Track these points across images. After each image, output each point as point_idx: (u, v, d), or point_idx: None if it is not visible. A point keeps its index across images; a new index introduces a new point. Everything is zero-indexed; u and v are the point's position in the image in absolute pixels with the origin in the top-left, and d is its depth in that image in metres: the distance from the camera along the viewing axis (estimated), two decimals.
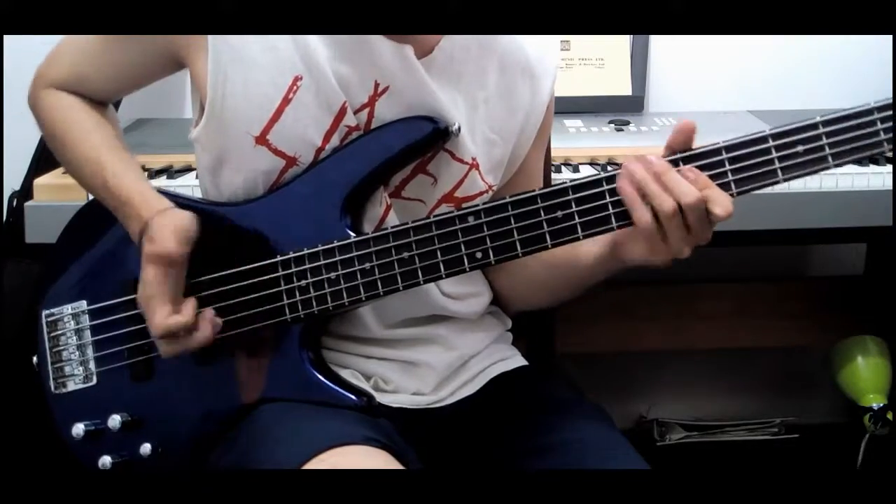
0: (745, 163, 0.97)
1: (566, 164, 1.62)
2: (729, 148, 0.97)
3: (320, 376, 1.07)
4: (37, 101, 1.18)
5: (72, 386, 1.16)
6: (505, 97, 1.13)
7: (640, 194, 0.97)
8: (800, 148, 0.96)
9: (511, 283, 1.21)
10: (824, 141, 0.95)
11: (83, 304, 1.16)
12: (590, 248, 1.09)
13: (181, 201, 1.12)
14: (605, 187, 1.00)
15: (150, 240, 1.04)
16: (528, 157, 1.19)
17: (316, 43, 1.05)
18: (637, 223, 0.98)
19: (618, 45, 1.95)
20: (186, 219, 1.05)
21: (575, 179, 1.01)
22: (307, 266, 1.06)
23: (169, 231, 1.04)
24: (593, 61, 1.95)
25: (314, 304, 1.06)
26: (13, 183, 1.55)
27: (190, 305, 1.04)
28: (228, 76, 1.05)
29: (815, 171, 0.97)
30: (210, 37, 1.05)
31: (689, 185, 0.96)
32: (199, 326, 1.05)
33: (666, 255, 0.99)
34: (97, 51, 1.14)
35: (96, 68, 1.15)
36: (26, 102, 1.20)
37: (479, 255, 1.03)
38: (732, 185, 0.97)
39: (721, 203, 0.96)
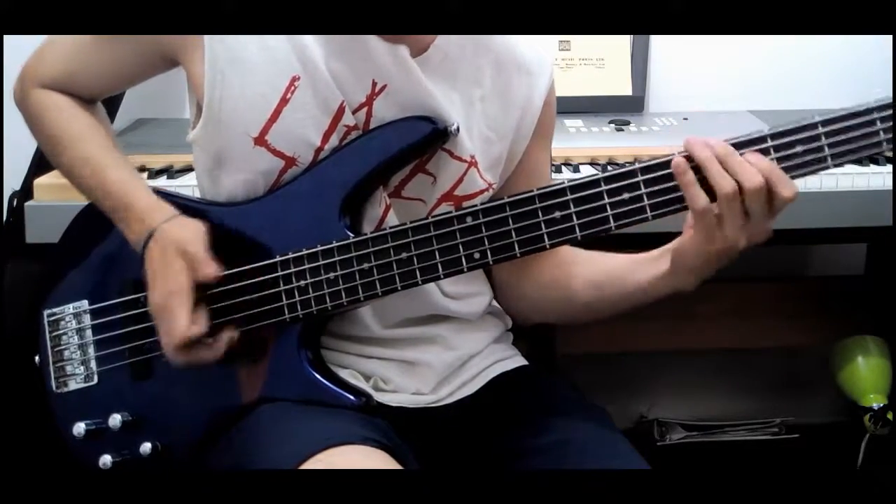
0: None
1: (566, 164, 1.62)
2: None
3: (319, 376, 1.07)
4: (26, 100, 1.18)
5: (73, 385, 1.16)
6: (501, 95, 1.13)
7: (697, 177, 0.96)
8: (799, 148, 0.96)
9: (549, 300, 1.19)
10: (823, 141, 0.95)
11: (84, 304, 1.16)
12: (645, 268, 1.08)
13: (181, 201, 1.12)
14: (604, 188, 1.00)
15: (183, 255, 1.04)
16: (531, 157, 1.19)
17: (312, 43, 1.05)
18: (692, 205, 0.96)
19: (618, 45, 1.95)
20: (202, 230, 1.06)
21: (573, 180, 1.01)
22: (306, 266, 1.06)
23: (200, 247, 1.04)
24: (593, 61, 1.94)
25: (313, 304, 1.06)
26: (13, 183, 1.55)
27: (204, 315, 1.05)
28: (226, 77, 1.05)
29: (814, 172, 0.96)
30: (206, 38, 1.05)
31: (753, 169, 0.95)
32: (217, 344, 1.05)
33: (722, 243, 0.97)
34: (88, 49, 1.13)
35: (87, 66, 1.14)
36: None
37: (476, 255, 1.03)
38: None
39: (787, 184, 0.95)
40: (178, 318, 1.03)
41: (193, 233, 1.06)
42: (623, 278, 1.11)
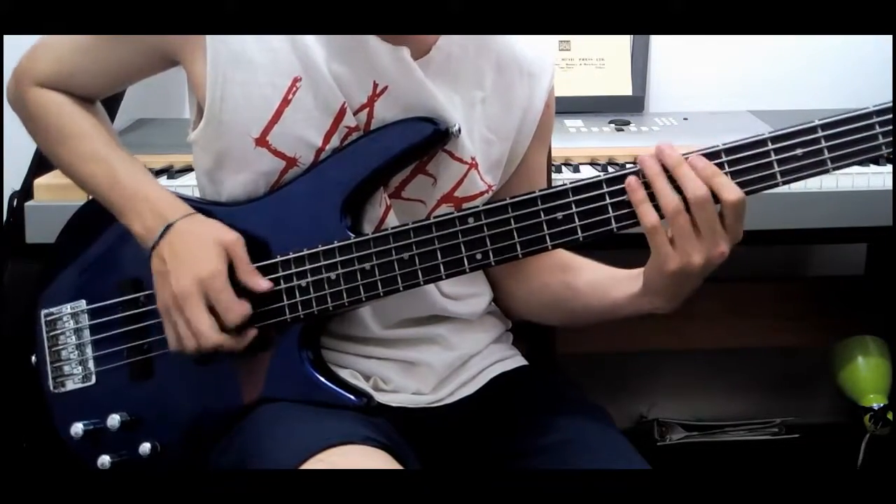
0: (744, 165, 0.97)
1: (566, 165, 1.62)
2: (728, 151, 0.97)
3: (320, 376, 1.07)
4: (22, 99, 1.17)
5: (71, 385, 1.16)
6: (502, 96, 1.13)
7: (647, 193, 0.96)
8: (799, 151, 0.96)
9: (540, 304, 1.20)
10: (823, 144, 0.95)
11: (82, 304, 1.16)
12: (623, 286, 1.08)
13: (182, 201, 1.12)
14: (606, 189, 1.00)
15: (220, 242, 1.04)
16: (530, 158, 1.19)
17: (313, 44, 1.05)
18: (642, 223, 0.97)
19: (618, 45, 1.95)
20: (229, 232, 1.06)
21: (575, 181, 1.01)
22: (307, 266, 1.06)
23: (241, 246, 1.05)
24: (593, 61, 1.94)
25: (314, 304, 1.06)
26: (13, 183, 1.55)
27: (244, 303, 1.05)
28: (227, 78, 1.05)
29: (814, 175, 0.96)
30: (208, 38, 1.05)
31: (697, 180, 0.95)
32: (246, 335, 1.05)
33: (676, 262, 0.97)
34: (86, 47, 1.13)
35: (85, 65, 1.14)
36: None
37: (479, 256, 1.03)
38: None
39: (730, 188, 0.94)
40: (229, 298, 1.03)
41: (225, 230, 1.06)
42: (605, 292, 1.11)
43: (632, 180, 0.97)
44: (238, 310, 1.04)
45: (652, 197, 0.97)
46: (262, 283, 1.05)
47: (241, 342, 1.05)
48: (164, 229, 1.06)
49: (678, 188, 0.96)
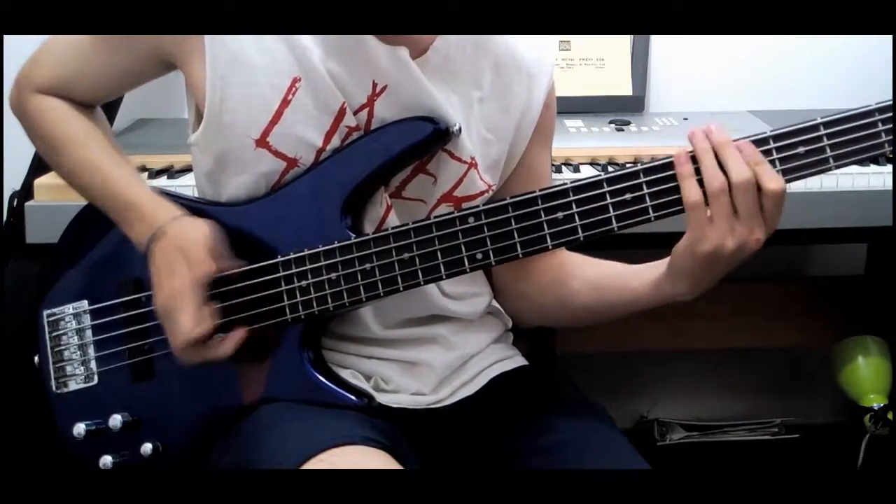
0: None
1: (566, 165, 1.62)
2: None
3: (320, 376, 1.07)
4: (23, 106, 1.17)
5: (73, 385, 1.16)
6: (500, 96, 1.13)
7: (696, 169, 0.96)
8: (801, 149, 0.96)
9: (547, 302, 1.19)
10: (825, 142, 0.95)
11: (84, 304, 1.16)
12: (643, 274, 1.08)
13: (182, 202, 1.12)
14: (606, 188, 1.00)
15: (185, 255, 1.04)
16: (531, 157, 1.19)
17: (311, 45, 1.05)
18: (685, 198, 0.96)
19: (618, 45, 1.95)
20: (210, 229, 1.06)
21: (576, 180, 1.01)
22: (308, 266, 1.06)
23: (202, 247, 1.04)
24: (593, 61, 1.94)
25: (315, 304, 1.06)
26: (13, 183, 1.55)
27: (208, 315, 1.05)
28: (227, 80, 1.05)
29: (817, 173, 0.97)
30: (206, 41, 1.05)
31: (742, 163, 0.95)
32: (225, 344, 1.05)
33: (710, 243, 0.96)
34: (85, 53, 1.13)
35: (85, 71, 1.14)
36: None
37: (479, 255, 1.03)
38: None
39: (773, 177, 0.94)
40: (183, 318, 1.03)
41: (196, 232, 1.06)
42: (621, 284, 1.11)
43: (682, 153, 0.97)
44: (188, 330, 1.03)
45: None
46: (207, 271, 1.04)
47: (219, 353, 1.05)
48: (152, 237, 1.07)
49: (722, 169, 0.96)
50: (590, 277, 1.14)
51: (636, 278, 1.09)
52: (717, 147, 0.96)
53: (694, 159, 0.97)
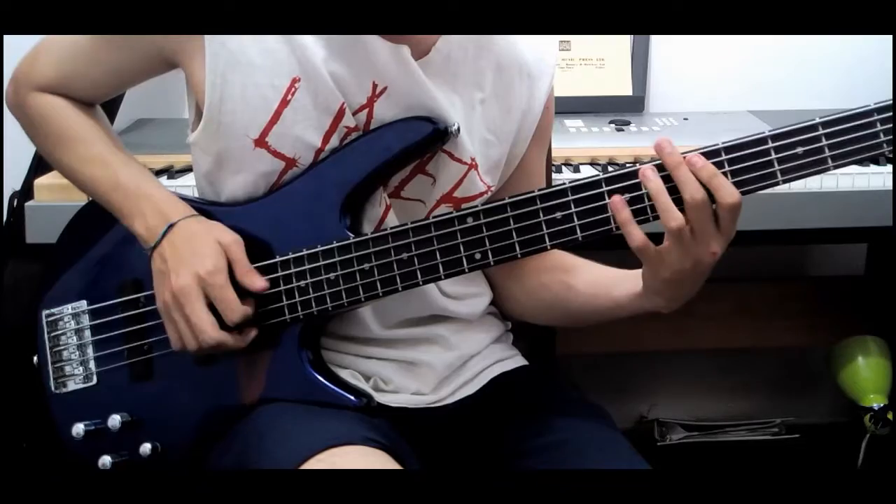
0: (744, 164, 0.97)
1: (566, 165, 1.62)
2: (728, 149, 0.97)
3: (320, 377, 1.07)
4: (22, 104, 1.17)
5: (72, 386, 1.16)
6: (502, 97, 1.13)
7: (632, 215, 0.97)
8: (799, 149, 0.96)
9: (540, 304, 1.19)
10: (824, 142, 0.95)
11: (83, 304, 1.16)
12: (623, 284, 1.08)
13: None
14: (605, 188, 1.00)
15: (220, 240, 1.04)
16: (529, 157, 1.19)
17: (312, 45, 1.05)
18: (630, 242, 0.97)
19: (618, 45, 1.95)
20: (229, 233, 1.06)
21: (574, 180, 1.01)
22: (306, 267, 1.06)
23: (232, 242, 1.05)
24: (593, 61, 1.95)
25: (313, 304, 1.06)
26: (13, 183, 1.55)
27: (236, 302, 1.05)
28: (226, 79, 1.05)
29: (815, 173, 0.96)
30: (206, 40, 1.05)
31: (696, 183, 0.95)
32: (247, 334, 1.06)
33: (668, 270, 0.97)
34: (85, 51, 1.13)
35: (85, 69, 1.14)
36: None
37: (478, 256, 1.03)
38: None
39: (728, 191, 0.94)
40: (229, 295, 1.03)
41: (222, 226, 1.07)
42: (605, 292, 1.11)
43: (615, 199, 0.97)
44: (239, 308, 1.04)
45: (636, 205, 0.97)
46: (258, 283, 1.05)
47: (243, 341, 1.06)
48: (167, 229, 1.06)
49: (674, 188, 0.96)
50: (576, 284, 1.14)
51: (617, 288, 1.09)
52: (668, 169, 0.96)
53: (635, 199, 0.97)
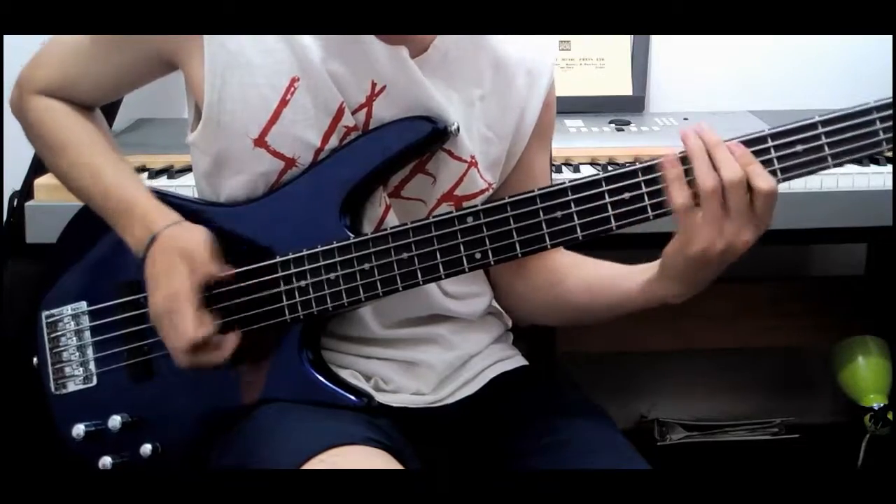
0: None
1: (567, 164, 1.62)
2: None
3: (320, 377, 1.07)
4: (24, 107, 1.17)
5: (72, 387, 1.16)
6: (500, 95, 1.13)
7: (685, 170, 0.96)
8: (799, 148, 0.96)
9: (543, 302, 1.19)
10: (823, 141, 0.95)
11: (83, 305, 1.16)
12: (635, 276, 1.07)
13: (180, 202, 1.12)
14: (605, 188, 1.00)
15: (186, 258, 1.04)
16: (530, 157, 1.19)
17: (311, 44, 1.05)
18: (673, 201, 0.96)
19: (618, 45, 1.95)
20: (207, 235, 1.06)
21: (574, 180, 1.01)
22: (307, 267, 1.06)
23: (201, 251, 1.05)
24: (594, 61, 1.95)
25: (314, 304, 1.06)
26: (13, 183, 1.55)
27: (209, 317, 1.05)
28: (226, 80, 1.05)
29: (815, 171, 0.96)
30: (205, 40, 1.05)
31: (735, 162, 0.94)
32: (223, 346, 1.05)
33: (700, 244, 0.96)
34: (86, 55, 1.13)
35: (86, 72, 1.14)
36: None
37: (478, 255, 1.03)
38: None
39: (764, 176, 0.94)
40: (184, 322, 1.03)
41: (196, 236, 1.06)
42: (613, 285, 1.11)
43: (669, 156, 0.96)
44: (191, 333, 1.03)
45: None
46: (210, 273, 1.05)
47: (220, 356, 1.05)
48: (150, 241, 1.07)
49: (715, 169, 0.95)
50: (583, 278, 1.14)
51: (628, 280, 1.08)
52: (709, 147, 0.96)
53: (684, 160, 0.97)
